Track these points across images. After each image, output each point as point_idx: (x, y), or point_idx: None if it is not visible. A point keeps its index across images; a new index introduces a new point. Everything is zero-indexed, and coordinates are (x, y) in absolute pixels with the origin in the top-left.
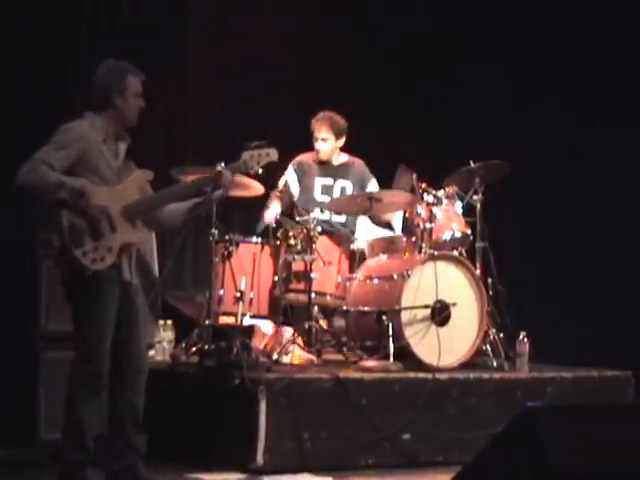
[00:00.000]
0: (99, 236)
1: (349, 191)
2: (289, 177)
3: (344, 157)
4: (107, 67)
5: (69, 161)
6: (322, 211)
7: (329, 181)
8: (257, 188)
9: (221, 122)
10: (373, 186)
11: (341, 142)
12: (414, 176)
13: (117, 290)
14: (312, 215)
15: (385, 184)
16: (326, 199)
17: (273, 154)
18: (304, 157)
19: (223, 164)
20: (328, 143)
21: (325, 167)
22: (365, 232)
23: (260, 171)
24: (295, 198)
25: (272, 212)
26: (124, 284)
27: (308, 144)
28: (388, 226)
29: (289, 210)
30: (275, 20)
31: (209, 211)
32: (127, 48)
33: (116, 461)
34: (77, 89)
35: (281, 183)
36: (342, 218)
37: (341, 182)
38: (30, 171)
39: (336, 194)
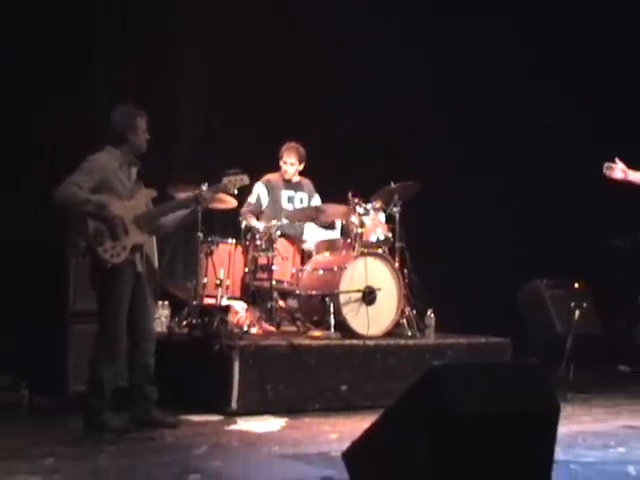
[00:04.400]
0: (116, 238)
1: (305, 201)
2: (260, 191)
3: (298, 177)
4: (122, 112)
5: (94, 184)
6: (285, 219)
7: (292, 193)
8: (232, 202)
9: (207, 150)
10: (317, 199)
11: (302, 167)
12: (350, 193)
13: (132, 279)
14: (277, 222)
15: (328, 198)
16: (290, 207)
17: (245, 179)
18: (270, 176)
19: (206, 185)
20: (294, 167)
21: (288, 183)
22: (312, 235)
23: (236, 192)
24: (263, 207)
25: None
26: (137, 275)
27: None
28: (331, 226)
29: (257, 217)
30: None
31: (195, 220)
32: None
33: (135, 407)
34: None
35: (252, 198)
36: (297, 224)
37: (300, 194)
38: (64, 191)
39: (297, 202)
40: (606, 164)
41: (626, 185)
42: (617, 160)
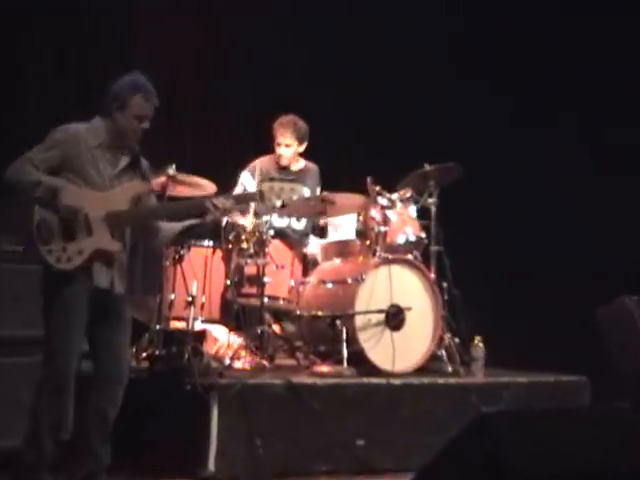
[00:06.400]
0: (71, 237)
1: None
2: (246, 181)
3: (302, 163)
4: (127, 79)
5: (54, 162)
6: (281, 217)
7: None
8: (209, 186)
9: (171, 132)
10: (317, 192)
11: (302, 148)
12: (368, 179)
13: (84, 294)
14: (265, 218)
15: (336, 186)
16: None
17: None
18: (261, 161)
19: (174, 166)
20: (291, 149)
21: (285, 173)
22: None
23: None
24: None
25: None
26: (97, 290)
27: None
28: (321, 230)
29: (244, 215)
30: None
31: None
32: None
33: (78, 469)
34: None
35: (238, 190)
36: (302, 224)
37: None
38: (16, 169)
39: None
40: None
41: None
42: None
